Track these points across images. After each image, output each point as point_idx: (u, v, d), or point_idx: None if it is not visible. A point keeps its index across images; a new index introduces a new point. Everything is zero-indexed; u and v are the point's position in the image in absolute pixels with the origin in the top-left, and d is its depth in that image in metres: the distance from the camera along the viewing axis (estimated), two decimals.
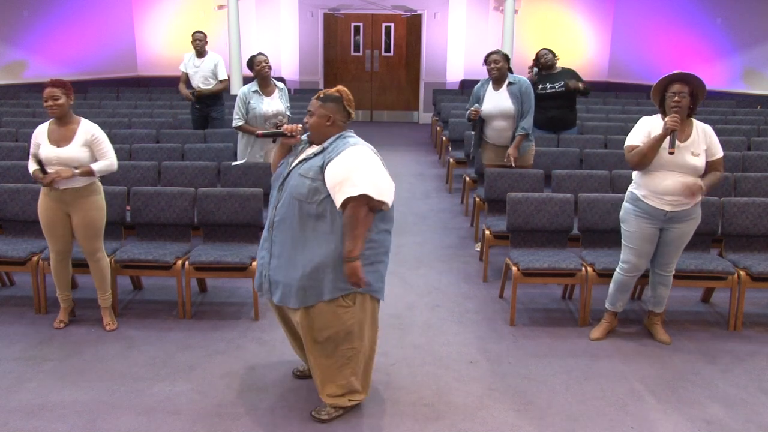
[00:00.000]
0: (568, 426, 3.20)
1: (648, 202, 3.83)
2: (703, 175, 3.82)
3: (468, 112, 5.38)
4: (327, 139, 3.03)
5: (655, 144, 3.70)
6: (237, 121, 5.45)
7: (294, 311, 3.08)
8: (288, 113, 5.58)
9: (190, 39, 6.98)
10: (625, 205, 3.98)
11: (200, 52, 6.97)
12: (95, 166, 3.93)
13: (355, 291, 3.03)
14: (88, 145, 3.95)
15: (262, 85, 5.47)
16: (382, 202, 2.93)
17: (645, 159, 3.75)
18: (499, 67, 5.23)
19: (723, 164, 3.91)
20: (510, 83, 5.26)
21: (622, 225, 4.00)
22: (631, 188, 3.97)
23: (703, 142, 3.81)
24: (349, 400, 3.23)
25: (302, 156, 3.07)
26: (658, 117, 3.86)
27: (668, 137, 3.67)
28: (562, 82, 6.19)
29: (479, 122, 5.43)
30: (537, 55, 6.38)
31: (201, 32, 7.02)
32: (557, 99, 6.25)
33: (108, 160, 4.00)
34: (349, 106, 3.08)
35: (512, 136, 5.29)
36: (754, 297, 4.74)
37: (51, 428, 3.11)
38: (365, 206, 2.89)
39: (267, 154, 5.60)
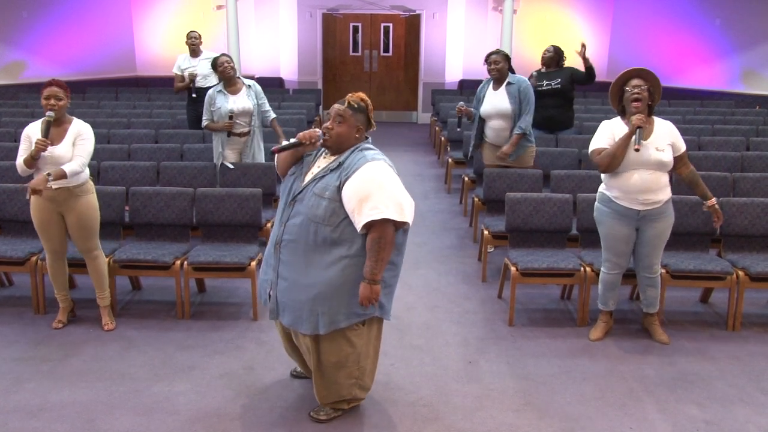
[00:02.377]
0: (567, 426, 3.20)
1: (620, 202, 3.87)
2: (673, 170, 3.90)
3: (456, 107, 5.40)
4: (346, 149, 2.89)
5: (624, 144, 3.75)
6: (204, 121, 5.56)
7: (300, 335, 3.02)
8: (264, 108, 5.60)
9: (186, 40, 7.02)
10: (598, 206, 4.03)
11: (195, 52, 7.01)
12: (66, 168, 3.84)
13: (369, 316, 2.95)
14: (74, 143, 3.93)
15: (226, 84, 5.54)
16: (405, 222, 2.83)
17: (615, 160, 3.79)
18: (499, 68, 5.21)
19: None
20: (509, 83, 5.24)
21: (597, 226, 4.04)
22: (601, 189, 4.02)
23: (668, 136, 3.84)
24: (348, 403, 3.22)
25: (316, 169, 2.93)
26: (618, 120, 3.91)
27: (634, 135, 3.71)
28: (560, 80, 6.18)
29: (480, 122, 5.43)
30: (543, 51, 6.36)
31: (195, 32, 7.08)
32: (554, 97, 6.21)
33: (78, 160, 3.89)
34: (371, 117, 2.98)
35: (510, 136, 5.29)
36: (753, 297, 4.74)
37: (50, 428, 3.11)
38: (390, 227, 2.77)
39: (242, 154, 5.59)
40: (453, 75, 12.83)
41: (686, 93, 10.62)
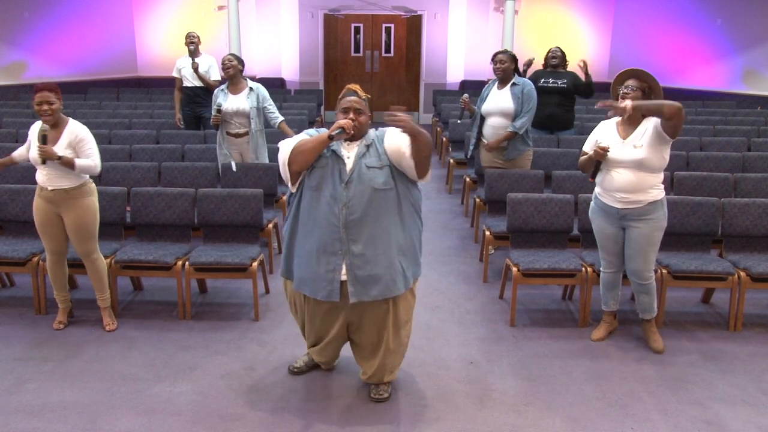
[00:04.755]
0: (569, 427, 3.20)
1: (602, 199, 3.93)
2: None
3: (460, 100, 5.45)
4: (364, 134, 3.23)
5: (588, 163, 3.94)
6: (212, 118, 5.60)
7: (376, 309, 3.19)
8: (268, 111, 5.64)
9: (184, 41, 7.08)
10: (591, 203, 4.11)
11: (194, 53, 7.06)
12: (77, 161, 3.87)
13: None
14: (73, 147, 3.89)
15: (229, 84, 5.61)
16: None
17: (583, 169, 4.04)
18: (504, 67, 5.24)
19: (670, 104, 3.51)
20: (514, 84, 5.26)
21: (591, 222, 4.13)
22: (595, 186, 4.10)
23: (649, 130, 3.71)
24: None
25: (349, 154, 3.17)
26: (611, 122, 3.92)
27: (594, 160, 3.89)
28: (566, 80, 6.27)
29: (479, 121, 5.44)
30: (548, 51, 6.47)
31: (194, 33, 7.15)
32: (557, 95, 6.28)
33: (91, 161, 3.94)
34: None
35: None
36: (754, 298, 4.74)
37: (51, 429, 3.11)
38: None
39: (243, 155, 5.62)
40: (454, 76, 12.83)
41: (687, 93, 10.61)
